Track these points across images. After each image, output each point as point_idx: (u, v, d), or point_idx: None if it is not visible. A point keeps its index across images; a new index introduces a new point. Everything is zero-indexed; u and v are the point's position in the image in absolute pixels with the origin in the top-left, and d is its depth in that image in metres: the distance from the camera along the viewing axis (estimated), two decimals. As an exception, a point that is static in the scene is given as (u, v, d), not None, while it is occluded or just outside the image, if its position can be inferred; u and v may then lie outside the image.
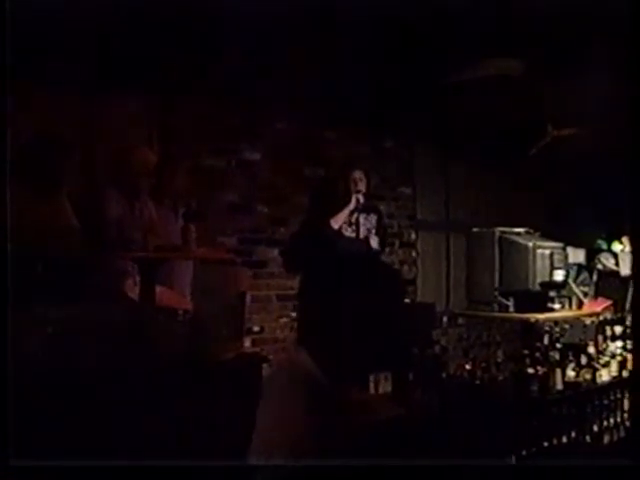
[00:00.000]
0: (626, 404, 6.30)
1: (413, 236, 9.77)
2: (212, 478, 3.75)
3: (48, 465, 3.37)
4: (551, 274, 7.54)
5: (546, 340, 6.62)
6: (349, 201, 8.00)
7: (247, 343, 7.76)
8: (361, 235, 8.07)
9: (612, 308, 7.65)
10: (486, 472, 3.41)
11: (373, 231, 8.20)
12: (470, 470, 3.49)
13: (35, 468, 3.28)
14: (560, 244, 7.78)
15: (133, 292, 5.84)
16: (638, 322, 3.05)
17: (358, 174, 8.10)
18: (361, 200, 8.04)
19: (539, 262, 7.47)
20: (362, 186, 8.08)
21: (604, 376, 6.49)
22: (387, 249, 8.88)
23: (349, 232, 8.05)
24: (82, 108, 6.75)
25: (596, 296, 7.85)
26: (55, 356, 4.65)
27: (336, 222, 7.95)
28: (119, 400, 4.52)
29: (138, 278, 5.79)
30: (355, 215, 8.05)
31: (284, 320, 8.32)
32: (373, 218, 8.27)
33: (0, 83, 3.39)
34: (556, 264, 7.58)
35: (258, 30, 6.16)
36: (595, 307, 7.57)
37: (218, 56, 6.61)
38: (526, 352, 6.19)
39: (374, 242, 8.15)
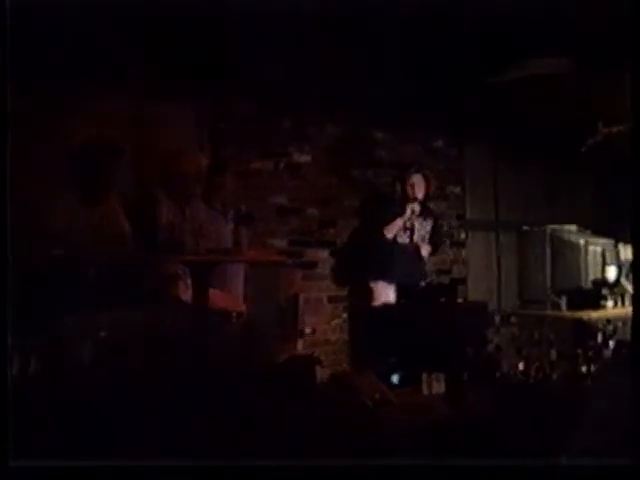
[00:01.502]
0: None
1: (463, 235, 9.73)
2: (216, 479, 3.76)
3: (48, 465, 3.39)
4: (603, 271, 7.49)
5: (599, 338, 6.56)
6: (404, 207, 7.98)
7: (299, 345, 7.77)
8: (415, 241, 8.05)
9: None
10: (487, 472, 3.39)
11: (427, 237, 8.18)
12: (471, 470, 3.48)
13: (35, 468, 3.30)
14: (612, 241, 7.73)
15: (186, 295, 5.87)
16: (638, 322, 3.02)
17: (416, 179, 8.06)
18: (416, 210, 8.02)
19: (591, 259, 7.45)
20: (419, 192, 8.05)
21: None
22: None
23: (403, 238, 8.03)
24: (133, 112, 6.80)
25: (649, 292, 7.75)
26: (108, 360, 4.69)
27: (389, 231, 7.94)
28: (172, 403, 4.54)
29: (190, 281, 5.83)
30: (411, 220, 8.02)
31: (336, 322, 8.32)
32: (428, 224, 8.23)
33: (0, 83, 3.42)
34: (608, 261, 7.54)
35: (308, 32, 6.17)
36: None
37: (267, 58, 6.63)
38: (579, 351, 6.13)
39: (425, 250, 8.14)
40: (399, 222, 7.95)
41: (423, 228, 8.18)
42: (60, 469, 3.39)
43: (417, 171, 8.12)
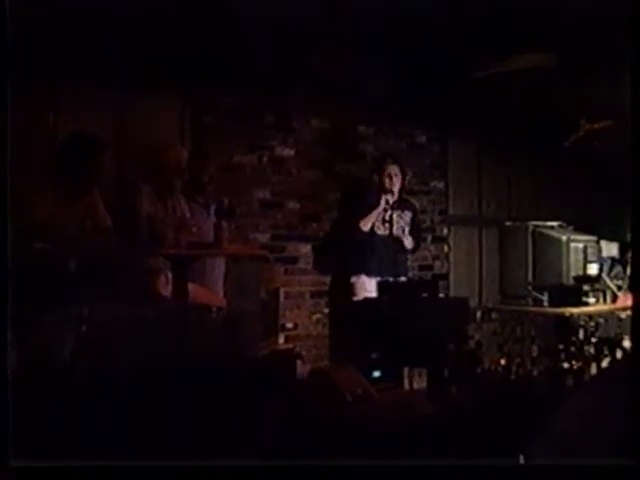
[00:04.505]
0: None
1: (445, 231, 9.73)
2: (215, 478, 3.75)
3: (48, 465, 3.37)
4: (585, 268, 7.50)
5: (581, 334, 6.57)
6: (379, 199, 7.98)
7: (280, 340, 7.76)
8: (394, 233, 8.04)
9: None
10: (487, 472, 3.38)
11: (407, 229, 8.18)
12: (473, 470, 3.47)
13: (35, 468, 3.28)
14: (594, 237, 7.74)
15: (166, 290, 5.85)
16: (637, 321, 3.02)
17: (393, 170, 8.07)
18: (390, 200, 8.01)
19: (573, 256, 7.45)
20: (396, 182, 8.06)
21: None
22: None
23: (382, 230, 8.01)
24: (115, 106, 6.78)
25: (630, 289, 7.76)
26: (88, 354, 4.67)
27: (365, 224, 7.92)
28: (151, 398, 4.53)
29: (171, 275, 5.81)
30: (389, 212, 8.01)
31: (317, 316, 8.32)
32: (407, 215, 8.23)
33: (0, 83, 3.39)
34: (590, 258, 7.54)
35: (291, 26, 6.16)
36: (629, 301, 7.49)
37: (251, 52, 6.61)
38: (561, 347, 6.14)
39: (407, 242, 8.13)
40: (374, 214, 7.94)
41: (402, 220, 8.17)
42: (60, 469, 3.38)
43: (394, 162, 8.13)
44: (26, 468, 3.22)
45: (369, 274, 7.81)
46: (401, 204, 8.18)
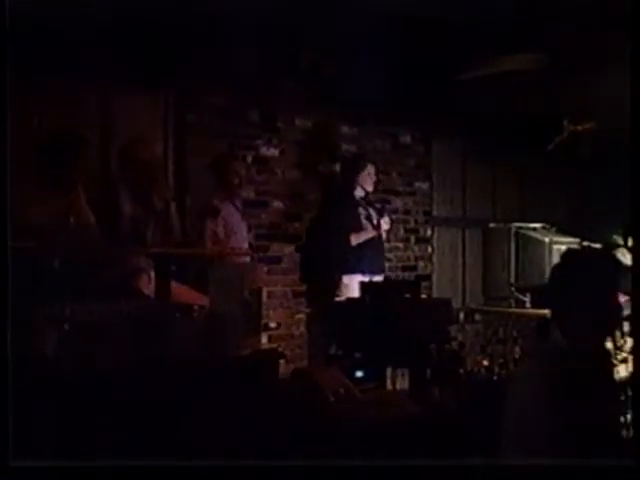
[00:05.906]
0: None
1: (429, 232, 9.74)
2: (214, 478, 3.74)
3: (48, 465, 3.35)
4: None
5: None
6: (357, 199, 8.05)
7: (263, 339, 7.74)
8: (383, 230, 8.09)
9: (629, 304, 7.56)
10: (485, 471, 3.38)
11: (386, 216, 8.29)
12: (471, 470, 3.46)
13: (35, 468, 3.27)
14: (576, 239, 7.75)
15: (148, 288, 5.83)
16: (638, 321, 3.02)
17: (372, 169, 8.13)
18: (367, 198, 8.08)
19: (555, 257, 7.46)
20: (373, 182, 8.14)
21: (622, 372, 6.44)
22: (402, 244, 8.93)
23: (367, 225, 8.05)
24: (98, 104, 6.75)
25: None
26: (70, 353, 4.64)
27: (355, 240, 7.94)
28: (132, 399, 4.51)
29: (153, 274, 5.78)
30: (369, 208, 8.06)
31: (300, 316, 8.31)
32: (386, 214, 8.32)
33: (0, 83, 3.37)
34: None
35: (277, 25, 6.16)
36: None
37: (236, 52, 6.61)
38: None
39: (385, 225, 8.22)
40: (367, 234, 7.97)
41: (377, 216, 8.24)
42: (60, 469, 3.37)
43: (371, 162, 8.21)
44: (26, 468, 3.21)
45: (363, 272, 7.80)
46: (372, 201, 8.24)
